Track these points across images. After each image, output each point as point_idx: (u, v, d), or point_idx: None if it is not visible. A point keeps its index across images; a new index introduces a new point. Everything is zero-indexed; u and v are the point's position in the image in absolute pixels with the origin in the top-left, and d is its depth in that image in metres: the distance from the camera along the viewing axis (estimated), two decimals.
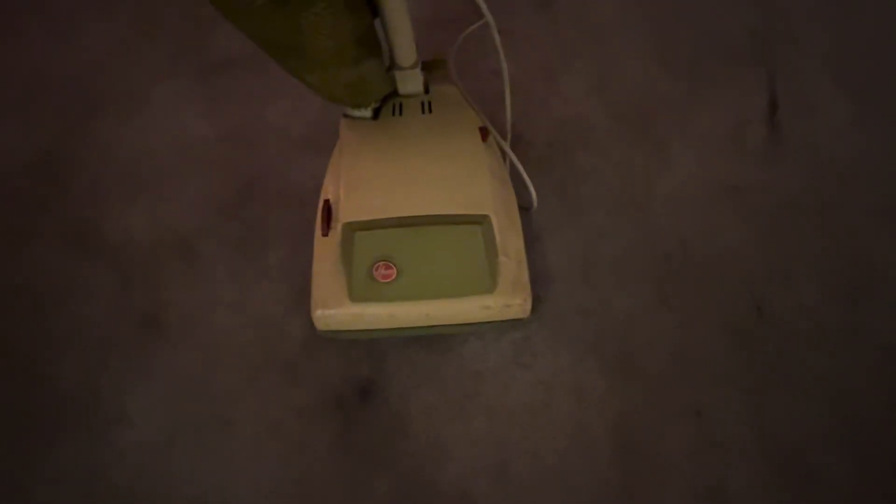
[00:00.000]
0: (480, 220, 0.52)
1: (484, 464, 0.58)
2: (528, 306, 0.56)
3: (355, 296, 0.53)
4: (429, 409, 0.61)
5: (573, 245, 0.69)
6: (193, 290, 0.66)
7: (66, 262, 0.68)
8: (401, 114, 0.59)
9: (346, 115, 0.60)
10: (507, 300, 0.55)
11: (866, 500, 0.58)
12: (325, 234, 0.56)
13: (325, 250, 0.56)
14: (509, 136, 0.62)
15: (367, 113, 0.59)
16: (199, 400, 0.61)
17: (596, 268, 0.68)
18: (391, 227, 0.52)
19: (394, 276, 0.52)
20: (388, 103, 0.60)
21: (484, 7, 0.48)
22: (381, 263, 0.52)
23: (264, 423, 0.60)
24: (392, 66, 0.55)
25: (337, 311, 0.54)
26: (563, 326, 0.65)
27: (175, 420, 0.60)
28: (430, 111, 0.59)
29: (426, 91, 0.61)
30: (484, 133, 0.58)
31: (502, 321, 0.57)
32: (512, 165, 0.62)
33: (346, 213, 0.53)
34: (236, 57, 0.81)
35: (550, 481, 0.58)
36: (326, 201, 0.57)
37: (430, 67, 0.57)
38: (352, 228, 0.52)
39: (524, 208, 0.63)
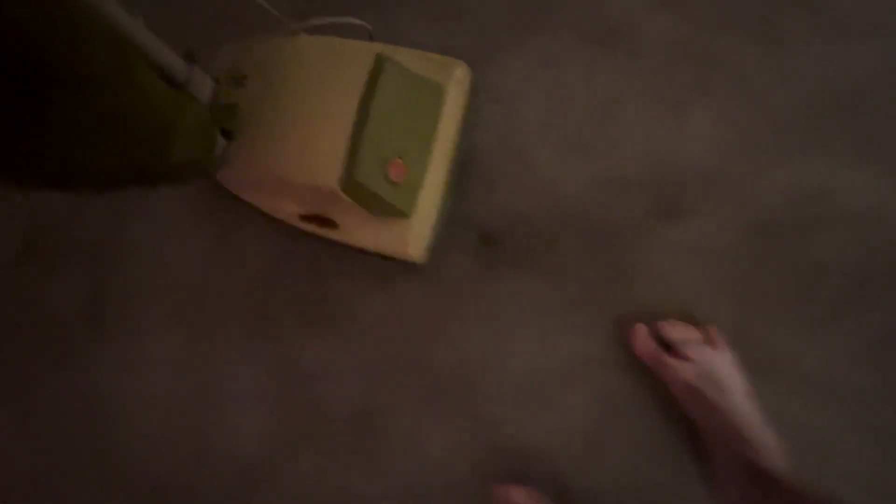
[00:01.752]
0: (383, 63, 0.55)
1: (580, 167, 0.68)
2: (468, 74, 0.63)
3: (408, 209, 0.58)
4: (523, 193, 0.68)
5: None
6: (318, 339, 0.71)
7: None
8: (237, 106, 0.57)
9: (216, 175, 0.60)
10: (456, 86, 0.61)
11: None
12: (336, 228, 0.59)
13: (354, 227, 0.60)
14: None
15: (223, 141, 0.57)
16: (395, 358, 0.69)
17: None
18: (358, 143, 0.53)
19: (404, 163, 0.56)
20: (222, 116, 0.57)
21: None
22: (387, 168, 0.54)
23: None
24: (181, 85, 0.50)
25: (415, 234, 0.60)
26: (498, 66, 0.71)
27: (379, 373, 0.68)
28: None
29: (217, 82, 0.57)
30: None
31: (471, 100, 0.65)
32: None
33: (328, 180, 0.53)
34: None
35: (610, 128, 0.69)
36: (308, 216, 0.59)
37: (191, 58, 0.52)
38: (348, 178, 0.53)
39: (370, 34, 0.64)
